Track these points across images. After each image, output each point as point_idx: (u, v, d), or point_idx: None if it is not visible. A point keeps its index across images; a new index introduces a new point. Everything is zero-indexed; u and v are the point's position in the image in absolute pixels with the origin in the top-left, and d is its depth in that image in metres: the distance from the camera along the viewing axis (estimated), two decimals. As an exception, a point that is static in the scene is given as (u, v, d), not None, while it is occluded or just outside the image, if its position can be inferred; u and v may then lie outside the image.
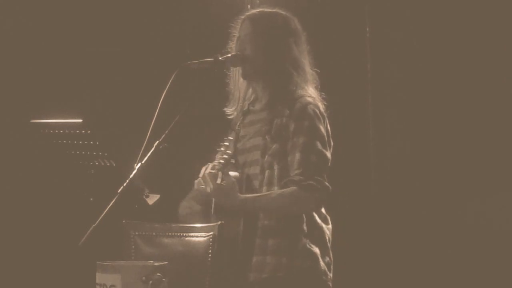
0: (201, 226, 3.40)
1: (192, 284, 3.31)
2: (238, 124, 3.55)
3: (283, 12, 3.54)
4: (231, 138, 3.46)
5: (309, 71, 3.51)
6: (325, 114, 3.42)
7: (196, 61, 3.44)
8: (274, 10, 3.54)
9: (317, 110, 3.39)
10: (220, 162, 3.31)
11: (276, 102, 3.43)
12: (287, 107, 3.40)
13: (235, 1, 4.77)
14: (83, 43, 5.10)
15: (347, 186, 4.68)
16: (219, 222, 3.34)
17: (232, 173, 3.36)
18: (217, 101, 3.62)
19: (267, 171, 3.38)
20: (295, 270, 3.34)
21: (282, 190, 3.32)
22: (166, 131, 3.31)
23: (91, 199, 3.40)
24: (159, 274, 2.96)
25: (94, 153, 3.31)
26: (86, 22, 5.11)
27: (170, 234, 3.42)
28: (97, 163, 3.34)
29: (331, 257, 3.44)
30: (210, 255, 3.32)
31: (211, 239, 3.33)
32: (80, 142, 3.31)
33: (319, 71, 3.54)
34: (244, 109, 3.56)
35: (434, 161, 4.83)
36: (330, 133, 3.43)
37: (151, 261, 3.12)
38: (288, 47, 3.47)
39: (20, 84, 5.07)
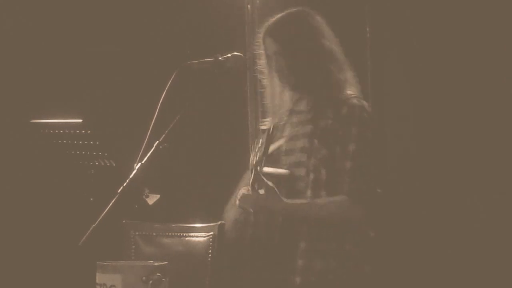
0: (201, 226, 3.41)
1: (192, 284, 3.31)
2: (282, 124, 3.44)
3: (295, 10, 3.44)
4: (264, 130, 3.34)
5: (343, 58, 3.42)
6: (372, 114, 3.33)
7: (196, 61, 3.44)
8: (286, 12, 3.43)
9: (365, 114, 3.29)
10: (251, 170, 3.22)
11: (321, 105, 3.33)
12: (333, 109, 3.30)
13: (235, 1, 4.76)
14: (83, 43, 5.10)
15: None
16: (219, 222, 3.34)
17: (267, 169, 3.27)
18: (217, 101, 3.61)
19: (312, 174, 3.28)
20: (343, 273, 3.28)
21: (331, 198, 3.24)
22: (166, 131, 3.31)
23: (91, 199, 3.41)
24: (159, 274, 2.97)
25: (94, 153, 3.31)
26: (86, 22, 5.11)
27: (170, 234, 3.43)
28: (97, 163, 3.34)
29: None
30: (210, 255, 3.32)
31: (211, 239, 3.33)
32: (80, 142, 3.31)
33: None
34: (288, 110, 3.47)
35: (435, 161, 4.83)
36: (379, 131, 3.38)
37: (151, 261, 3.13)
38: (318, 46, 3.38)
39: (20, 84, 5.07)
